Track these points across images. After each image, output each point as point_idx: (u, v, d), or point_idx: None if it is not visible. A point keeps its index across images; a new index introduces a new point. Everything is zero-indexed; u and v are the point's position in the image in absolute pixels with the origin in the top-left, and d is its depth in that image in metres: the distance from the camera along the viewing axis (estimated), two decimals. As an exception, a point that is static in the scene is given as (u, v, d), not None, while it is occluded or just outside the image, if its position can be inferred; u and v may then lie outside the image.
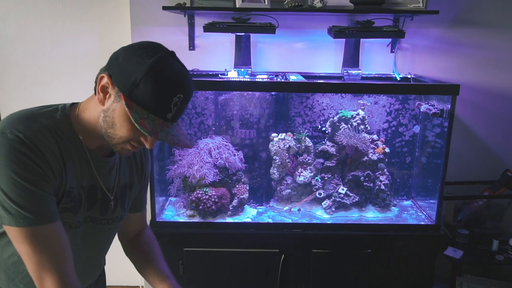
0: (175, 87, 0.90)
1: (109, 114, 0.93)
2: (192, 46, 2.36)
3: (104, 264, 1.30)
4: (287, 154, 2.23)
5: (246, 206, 2.24)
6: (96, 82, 0.94)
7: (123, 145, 0.97)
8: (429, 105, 2.09)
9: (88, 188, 1.04)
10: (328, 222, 2.14)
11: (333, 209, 2.20)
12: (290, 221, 2.15)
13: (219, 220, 2.14)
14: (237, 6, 2.06)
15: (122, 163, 1.13)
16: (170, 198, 2.32)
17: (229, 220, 2.15)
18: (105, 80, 0.91)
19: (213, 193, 2.12)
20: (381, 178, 2.24)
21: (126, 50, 0.92)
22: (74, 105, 1.02)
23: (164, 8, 2.08)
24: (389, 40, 2.37)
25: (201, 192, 2.11)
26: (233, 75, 2.22)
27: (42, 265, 0.90)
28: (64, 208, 0.98)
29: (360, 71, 2.24)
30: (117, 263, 1.85)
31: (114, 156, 1.09)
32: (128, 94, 0.89)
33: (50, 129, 0.95)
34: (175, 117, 0.94)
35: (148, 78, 0.88)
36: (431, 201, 2.24)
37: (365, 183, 2.22)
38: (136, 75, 0.88)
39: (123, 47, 0.94)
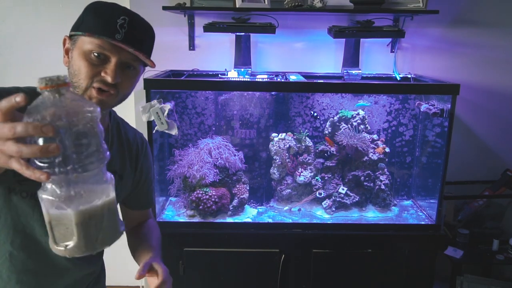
0: (115, 10, 0.97)
1: (71, 64, 0.98)
2: (192, 46, 2.36)
3: (102, 261, 1.28)
4: (287, 154, 2.23)
5: (246, 206, 2.24)
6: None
7: (89, 92, 0.97)
8: (429, 105, 2.09)
9: None
10: (328, 222, 2.14)
11: (333, 209, 2.20)
12: (290, 221, 2.15)
13: (219, 220, 2.14)
14: (237, 6, 2.06)
15: (114, 149, 1.12)
16: (170, 198, 2.32)
17: (229, 220, 2.15)
18: (67, 41, 1.00)
19: (213, 193, 2.12)
20: (381, 178, 2.24)
21: None
22: None
23: (164, 8, 2.08)
24: (389, 40, 2.37)
25: (201, 192, 2.11)
26: (233, 75, 2.22)
27: None
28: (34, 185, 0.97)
29: (360, 71, 2.24)
30: (117, 263, 1.85)
31: None
32: (75, 32, 0.97)
33: (28, 94, 0.97)
34: (127, 40, 0.96)
35: (89, 10, 0.98)
36: (431, 200, 2.24)
37: (365, 183, 2.22)
38: (81, 15, 0.98)
39: None
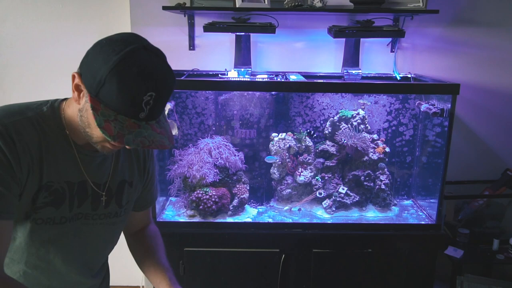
0: (144, 84, 0.83)
1: (84, 114, 0.90)
2: (192, 46, 2.36)
3: (107, 264, 1.30)
4: (287, 154, 2.23)
5: (246, 206, 2.24)
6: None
7: (103, 143, 0.94)
8: (429, 105, 2.09)
9: (78, 184, 1.02)
10: (329, 222, 2.14)
11: (334, 209, 2.20)
12: (290, 221, 2.15)
13: (219, 220, 2.14)
14: (237, 6, 2.06)
15: (121, 159, 1.12)
16: (170, 198, 2.32)
17: (229, 220, 2.15)
18: (77, 79, 0.88)
19: (214, 193, 2.12)
20: (382, 177, 2.24)
21: (95, 46, 0.88)
22: (65, 100, 1.02)
23: (164, 8, 2.08)
24: (389, 39, 2.37)
25: (201, 192, 2.11)
26: (233, 75, 2.22)
27: None
28: (45, 203, 0.97)
29: (360, 71, 2.24)
30: (118, 263, 1.85)
31: None
32: (94, 95, 0.84)
33: (33, 121, 0.94)
34: (150, 117, 0.87)
35: (113, 76, 0.81)
36: (431, 200, 2.24)
37: (365, 183, 2.22)
38: (101, 74, 0.82)
39: (96, 42, 0.89)
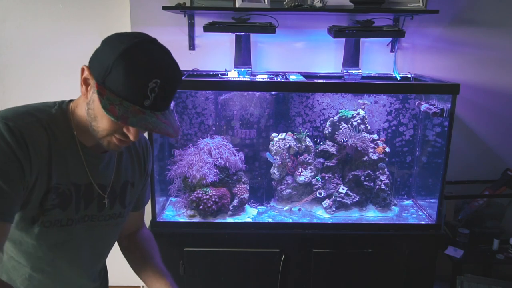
0: (149, 71, 0.85)
1: (91, 106, 0.91)
2: (192, 46, 2.36)
3: (105, 266, 1.30)
4: (287, 154, 2.23)
5: (246, 206, 2.24)
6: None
7: (109, 138, 0.94)
8: (429, 105, 2.09)
9: (84, 187, 1.03)
10: (329, 222, 2.14)
11: (334, 209, 2.20)
12: (290, 220, 2.15)
13: (219, 220, 2.14)
14: (237, 6, 2.06)
15: (124, 160, 1.12)
16: (170, 198, 2.32)
17: (229, 220, 2.15)
18: (86, 72, 0.90)
19: (214, 193, 2.12)
20: (382, 177, 2.24)
21: (104, 40, 0.91)
22: (72, 101, 1.02)
23: (164, 8, 2.08)
24: (389, 39, 2.37)
25: (201, 192, 2.11)
26: (233, 75, 2.22)
27: None
28: (52, 205, 0.98)
29: (360, 71, 2.24)
30: (117, 263, 1.85)
31: (109, 152, 1.07)
32: (101, 82, 0.86)
33: (43, 124, 0.94)
34: (155, 105, 0.88)
35: (120, 63, 0.84)
36: (431, 200, 2.24)
37: (365, 183, 2.22)
38: (109, 62, 0.85)
39: (104, 38, 0.92)
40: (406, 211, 2.29)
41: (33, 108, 0.96)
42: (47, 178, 0.95)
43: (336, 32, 2.09)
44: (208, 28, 2.07)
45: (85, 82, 0.91)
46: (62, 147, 0.97)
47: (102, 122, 0.90)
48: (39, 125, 0.93)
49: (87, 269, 1.14)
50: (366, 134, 2.25)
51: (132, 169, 1.16)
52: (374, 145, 2.26)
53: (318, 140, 2.27)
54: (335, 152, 2.25)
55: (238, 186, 2.21)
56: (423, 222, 2.17)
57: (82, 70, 0.91)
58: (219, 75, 2.22)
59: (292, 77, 2.17)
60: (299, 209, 2.24)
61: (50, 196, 0.96)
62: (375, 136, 2.29)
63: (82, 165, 1.01)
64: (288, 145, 2.23)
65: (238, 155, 2.19)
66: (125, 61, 0.84)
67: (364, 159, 2.23)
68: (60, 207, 0.99)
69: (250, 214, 2.20)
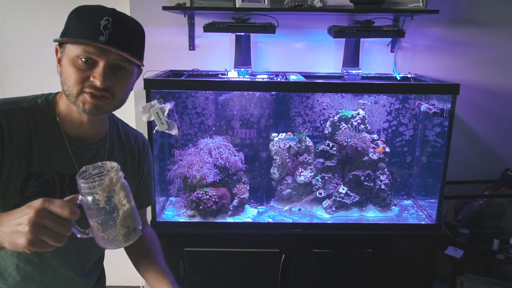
0: (99, 10, 0.94)
1: (62, 74, 0.97)
2: (192, 46, 2.36)
3: (102, 266, 1.30)
4: (287, 154, 2.23)
5: (246, 206, 2.24)
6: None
7: (82, 98, 0.96)
8: (429, 105, 2.09)
9: (70, 177, 1.03)
10: (329, 222, 2.14)
11: (334, 209, 2.20)
12: (290, 221, 2.15)
13: (219, 220, 2.14)
14: (237, 6, 2.06)
15: (115, 155, 1.13)
16: (170, 198, 2.32)
17: (229, 220, 2.15)
18: (56, 49, 0.99)
19: (214, 193, 2.12)
20: (382, 177, 2.24)
21: None
22: (58, 93, 1.07)
23: (164, 8, 2.08)
24: (389, 39, 2.37)
25: (201, 192, 2.11)
26: (233, 75, 2.22)
27: None
28: (34, 192, 0.98)
29: (360, 71, 2.24)
30: (117, 263, 1.85)
31: (97, 144, 1.08)
32: (61, 38, 0.96)
33: (26, 112, 0.99)
34: (112, 41, 0.93)
35: (72, 14, 0.97)
36: (431, 200, 2.24)
37: (365, 183, 2.22)
38: (65, 22, 0.98)
39: None
40: (406, 211, 2.29)
41: (21, 98, 1.02)
42: (25, 164, 0.96)
43: (336, 32, 2.09)
44: (208, 28, 2.07)
45: (59, 61, 0.99)
46: (45, 136, 0.99)
47: (69, 78, 0.95)
48: (20, 112, 0.98)
49: (73, 261, 1.13)
50: (366, 134, 2.25)
51: (124, 165, 1.16)
52: (374, 145, 2.26)
53: (331, 144, 2.25)
54: (335, 152, 2.25)
55: (238, 186, 2.21)
56: (423, 222, 2.17)
57: (56, 50, 1.00)
58: (219, 75, 2.22)
59: (292, 77, 2.17)
60: (299, 209, 2.24)
61: (31, 183, 0.97)
62: (375, 136, 2.29)
63: (68, 154, 1.02)
64: (288, 145, 2.23)
65: (238, 155, 2.19)
66: (76, 11, 0.97)
67: (364, 159, 2.23)
68: (42, 195, 0.98)
69: (250, 214, 2.20)
